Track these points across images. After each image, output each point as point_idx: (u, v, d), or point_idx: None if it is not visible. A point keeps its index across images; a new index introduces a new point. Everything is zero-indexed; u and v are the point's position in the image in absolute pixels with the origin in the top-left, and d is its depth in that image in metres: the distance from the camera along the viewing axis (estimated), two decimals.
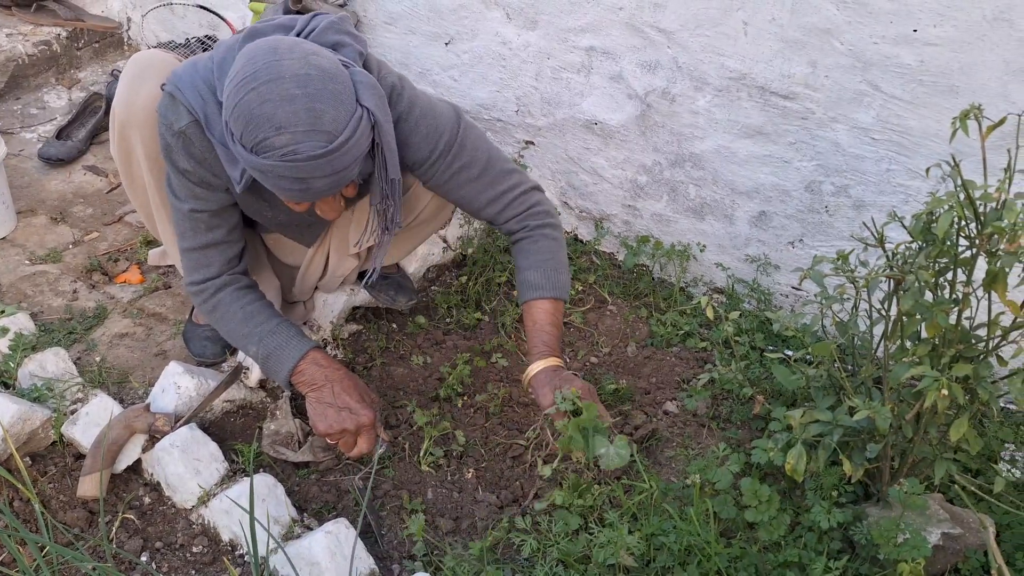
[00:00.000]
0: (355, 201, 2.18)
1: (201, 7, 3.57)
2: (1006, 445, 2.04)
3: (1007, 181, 1.53)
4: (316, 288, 2.55)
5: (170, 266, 2.76)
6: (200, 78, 1.84)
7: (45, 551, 1.91)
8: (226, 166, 1.85)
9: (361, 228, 2.26)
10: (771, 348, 2.55)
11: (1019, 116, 1.56)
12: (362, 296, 2.61)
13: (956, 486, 1.90)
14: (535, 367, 2.05)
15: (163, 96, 1.89)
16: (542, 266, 2.13)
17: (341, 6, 2.99)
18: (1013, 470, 2.04)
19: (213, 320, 2.13)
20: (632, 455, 1.85)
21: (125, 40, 4.07)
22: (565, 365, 2.09)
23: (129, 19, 4.05)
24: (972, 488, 1.88)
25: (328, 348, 2.54)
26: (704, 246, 2.82)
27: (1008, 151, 1.56)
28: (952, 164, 1.58)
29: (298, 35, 1.83)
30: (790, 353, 2.25)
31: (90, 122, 3.44)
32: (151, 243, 2.86)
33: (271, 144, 1.63)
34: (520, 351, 2.63)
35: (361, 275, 2.64)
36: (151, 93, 1.97)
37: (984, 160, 1.59)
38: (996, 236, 1.50)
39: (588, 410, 1.85)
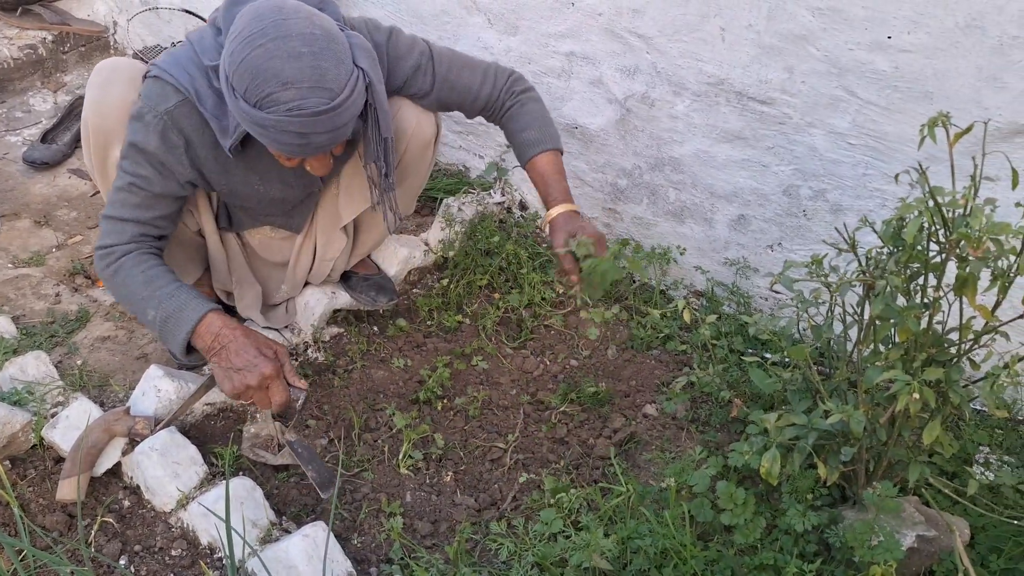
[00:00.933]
0: (340, 166, 2.24)
1: (186, 11, 3.57)
2: (980, 448, 2.06)
3: (972, 188, 1.55)
4: (306, 283, 2.56)
5: None
6: (185, 58, 1.92)
7: (23, 555, 1.91)
8: (219, 136, 1.92)
9: (350, 198, 2.30)
10: (749, 351, 2.56)
11: (985, 124, 1.58)
12: (343, 299, 2.62)
13: (931, 489, 1.92)
14: (554, 211, 2.14)
15: (146, 83, 1.95)
16: (536, 124, 2.24)
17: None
18: (987, 473, 2.05)
19: (113, 286, 2.06)
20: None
21: (111, 44, 4.07)
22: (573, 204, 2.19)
23: (115, 23, 4.05)
24: (947, 491, 1.89)
25: (309, 351, 2.55)
26: (684, 249, 2.83)
27: (973, 158, 1.58)
28: (920, 171, 1.59)
29: None
30: (768, 356, 2.27)
31: (75, 126, 3.44)
32: None
33: (277, 99, 1.71)
34: (500, 354, 2.64)
35: (344, 276, 2.65)
36: (121, 95, 2.02)
37: (952, 166, 1.61)
38: (963, 242, 1.52)
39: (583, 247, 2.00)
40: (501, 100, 2.26)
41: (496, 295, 2.84)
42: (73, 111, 3.52)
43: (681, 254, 2.84)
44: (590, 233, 2.04)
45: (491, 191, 3.14)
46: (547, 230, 2.14)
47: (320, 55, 1.72)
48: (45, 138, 3.39)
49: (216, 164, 2.05)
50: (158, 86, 1.93)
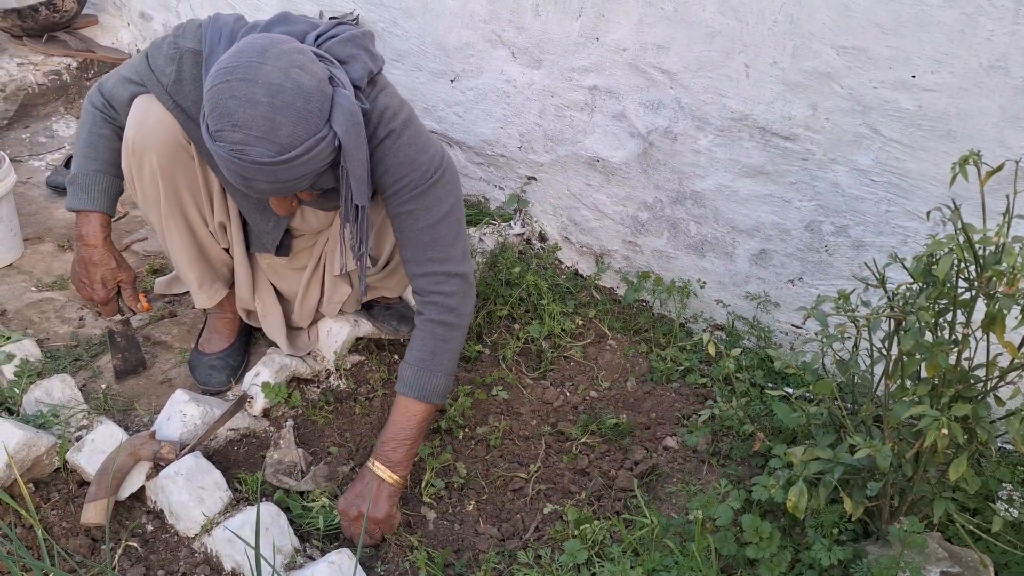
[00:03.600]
0: (325, 208, 2.27)
1: None
2: (1004, 485, 2.06)
3: (1006, 225, 1.56)
4: (319, 313, 2.57)
5: (176, 295, 2.78)
6: (234, 27, 1.96)
7: None
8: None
9: (346, 253, 2.31)
10: (771, 385, 2.57)
11: (1016, 162, 1.60)
12: (365, 327, 2.63)
13: (955, 525, 1.92)
14: (369, 463, 2.13)
15: (194, 21, 2.03)
16: (417, 365, 2.13)
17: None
18: (1011, 509, 2.05)
19: (81, 120, 2.22)
20: None
21: None
22: (394, 466, 2.11)
23: (139, 51, 4.09)
24: (970, 527, 1.89)
25: (331, 378, 2.56)
26: (704, 283, 2.85)
27: (1007, 196, 1.59)
28: (952, 207, 1.61)
29: (318, 37, 1.93)
30: (790, 390, 2.27)
31: None
32: (158, 272, 2.89)
33: (225, 136, 1.72)
34: (521, 384, 2.65)
35: (364, 305, 2.67)
36: (160, 114, 2.07)
37: (983, 204, 1.63)
38: (995, 279, 1.53)
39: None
40: (415, 296, 2.17)
41: (516, 326, 2.85)
42: None
43: (702, 287, 2.85)
44: (368, 514, 2.05)
45: (511, 222, 3.16)
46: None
47: (280, 108, 1.70)
48: (68, 163, 3.41)
49: (190, 125, 2.10)
50: (195, 28, 2.01)
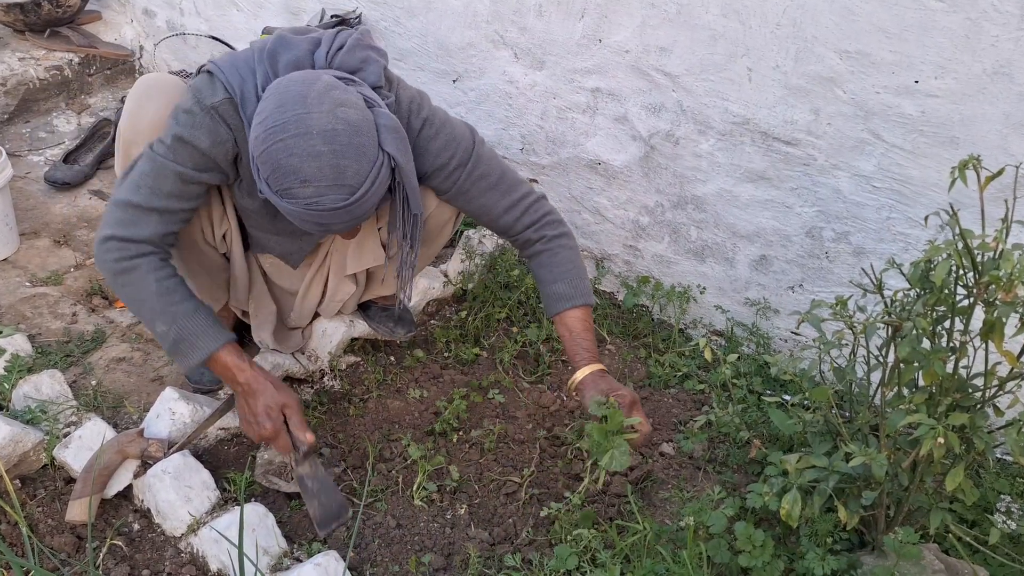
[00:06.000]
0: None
1: (213, 38, 3.62)
2: (1001, 496, 2.03)
3: (1004, 231, 1.54)
4: (316, 314, 2.55)
5: None
6: (241, 61, 1.92)
7: None
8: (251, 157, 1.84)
9: (360, 252, 2.29)
10: (769, 392, 2.54)
11: (1016, 168, 1.57)
12: (361, 328, 2.61)
13: (951, 536, 1.89)
14: (580, 373, 2.09)
15: (200, 76, 1.94)
16: (567, 276, 2.17)
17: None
18: (1008, 521, 2.02)
19: (119, 283, 1.96)
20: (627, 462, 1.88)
21: (137, 68, 4.11)
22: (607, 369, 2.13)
23: (142, 47, 4.09)
24: (967, 539, 1.86)
25: (325, 379, 2.54)
26: (704, 288, 2.82)
27: (1006, 202, 1.57)
28: (950, 213, 1.58)
29: (326, 54, 1.93)
30: (788, 398, 2.25)
31: (98, 147, 3.47)
32: None
33: (296, 193, 1.73)
34: (517, 387, 2.63)
35: (361, 306, 2.64)
36: (157, 111, 2.01)
37: (982, 210, 1.60)
38: (993, 286, 1.50)
39: (614, 417, 1.89)
40: (527, 237, 2.19)
41: (514, 329, 2.83)
42: (96, 133, 3.54)
43: (701, 293, 2.83)
44: (624, 395, 2.01)
45: None
46: (572, 389, 2.11)
47: (340, 153, 1.71)
48: (68, 159, 3.41)
49: (245, 170, 2.02)
50: (209, 80, 1.90)
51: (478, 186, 2.13)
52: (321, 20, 3.26)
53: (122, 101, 3.79)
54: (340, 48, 1.95)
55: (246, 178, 2.03)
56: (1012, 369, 1.64)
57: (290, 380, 2.49)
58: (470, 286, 2.89)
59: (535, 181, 3.06)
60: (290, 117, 1.71)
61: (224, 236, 2.27)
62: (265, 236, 2.25)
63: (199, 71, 1.96)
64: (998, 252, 1.52)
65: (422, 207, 2.04)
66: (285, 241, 2.25)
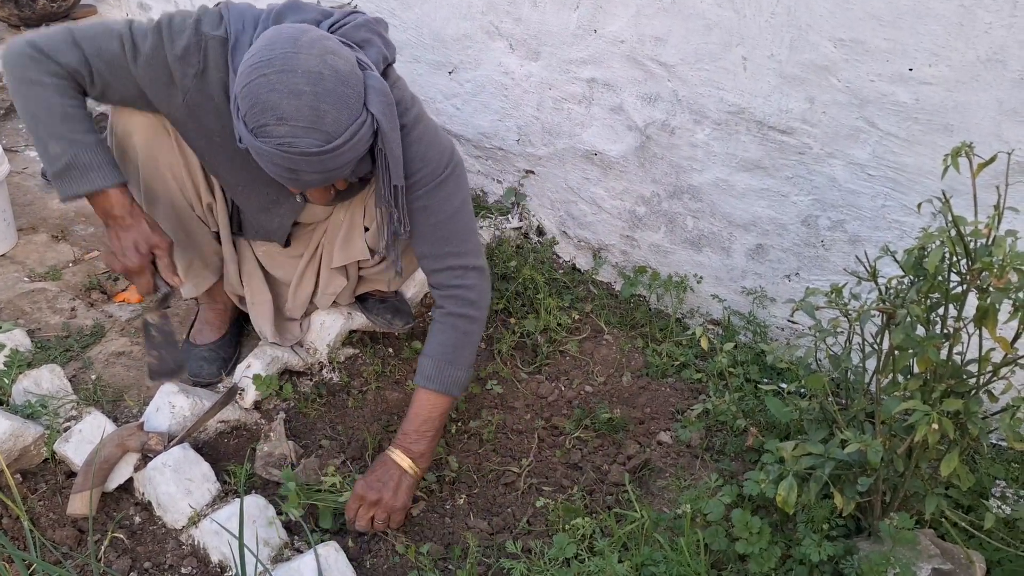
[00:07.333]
0: (346, 198, 2.19)
1: None
2: (997, 481, 2.04)
3: (996, 218, 1.54)
4: (312, 305, 2.56)
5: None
6: (250, 14, 1.90)
7: (32, 569, 1.91)
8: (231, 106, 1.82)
9: (347, 245, 2.30)
10: (765, 380, 2.55)
11: (1009, 155, 1.58)
12: (359, 320, 2.62)
13: (947, 521, 1.90)
14: (388, 451, 2.12)
15: (212, 8, 1.93)
16: (441, 356, 2.13)
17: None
18: (1004, 506, 2.03)
19: (22, 91, 1.90)
20: None
21: None
22: (416, 458, 2.12)
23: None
24: (963, 524, 1.87)
25: (324, 371, 2.55)
26: (701, 278, 2.83)
27: (998, 188, 1.57)
28: (943, 200, 1.59)
29: (332, 25, 1.90)
30: (784, 386, 2.26)
31: None
32: None
33: (271, 131, 1.68)
34: (515, 378, 2.64)
35: (359, 298, 2.65)
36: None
37: (975, 197, 1.61)
38: (986, 272, 1.51)
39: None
40: (434, 294, 2.18)
41: (512, 320, 2.84)
42: None
43: (698, 282, 2.84)
44: (385, 501, 2.05)
45: (509, 216, 3.15)
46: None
47: (322, 96, 1.67)
48: None
49: (208, 116, 1.99)
50: (215, 15, 1.90)
51: (415, 215, 2.07)
52: None
53: None
54: (346, 24, 1.92)
55: (209, 113, 1.98)
56: (1006, 355, 1.65)
57: (289, 373, 2.50)
58: None
59: (532, 172, 3.07)
60: (277, 54, 1.67)
61: (211, 208, 2.28)
62: (234, 188, 2.20)
63: (216, 5, 1.95)
64: (991, 239, 1.53)
65: (403, 179, 1.96)
66: (259, 214, 2.22)
